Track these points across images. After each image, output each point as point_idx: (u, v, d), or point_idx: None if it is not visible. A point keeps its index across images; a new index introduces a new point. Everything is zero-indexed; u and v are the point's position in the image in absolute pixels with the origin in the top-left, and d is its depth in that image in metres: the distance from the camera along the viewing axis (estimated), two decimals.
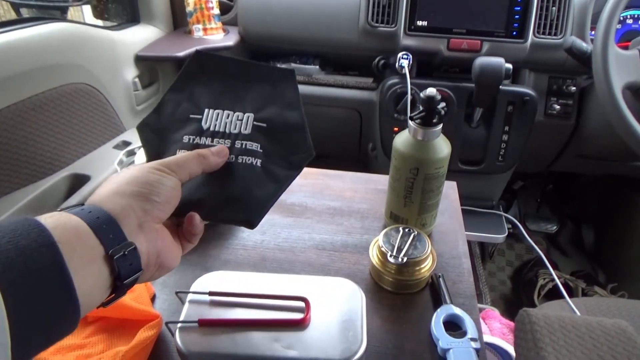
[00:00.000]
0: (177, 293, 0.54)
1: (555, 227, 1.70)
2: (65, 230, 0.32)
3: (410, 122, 0.66)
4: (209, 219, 0.45)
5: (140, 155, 0.74)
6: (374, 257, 0.65)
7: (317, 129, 1.40)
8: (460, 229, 0.77)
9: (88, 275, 0.32)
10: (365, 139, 1.38)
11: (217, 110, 0.49)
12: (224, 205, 0.46)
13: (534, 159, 1.34)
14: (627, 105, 0.92)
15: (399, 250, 0.63)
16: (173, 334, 0.48)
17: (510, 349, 0.91)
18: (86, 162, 0.85)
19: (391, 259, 0.62)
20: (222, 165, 0.46)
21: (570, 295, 1.14)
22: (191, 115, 0.49)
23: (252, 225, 0.46)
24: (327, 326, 0.49)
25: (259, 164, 0.47)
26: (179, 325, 0.49)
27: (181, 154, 0.44)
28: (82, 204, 0.37)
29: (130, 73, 1.08)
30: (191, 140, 0.47)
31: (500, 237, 1.32)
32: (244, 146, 0.47)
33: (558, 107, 1.20)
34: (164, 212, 0.40)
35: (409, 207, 0.70)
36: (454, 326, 0.59)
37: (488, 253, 1.65)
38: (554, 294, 1.41)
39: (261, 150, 0.48)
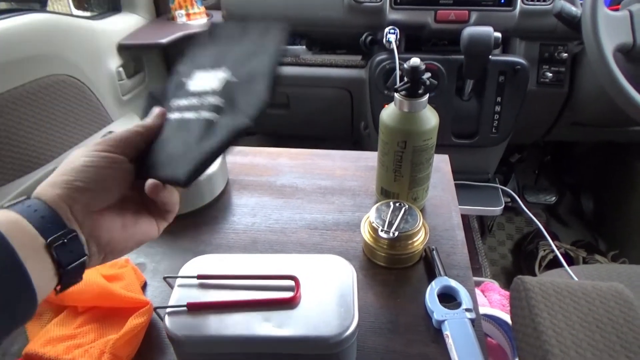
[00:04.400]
0: (165, 278, 0.53)
1: (554, 198, 1.69)
2: (8, 225, 0.33)
3: (395, 95, 0.64)
4: (140, 177, 0.41)
5: None
6: (365, 233, 0.64)
7: (308, 110, 1.40)
8: (453, 201, 0.76)
9: (35, 264, 0.33)
10: (358, 118, 1.37)
11: (204, 71, 0.48)
12: (160, 162, 0.42)
13: (528, 129, 1.32)
14: (618, 67, 0.90)
15: (390, 225, 0.62)
16: (162, 319, 0.48)
17: (510, 320, 0.91)
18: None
19: (383, 234, 0.61)
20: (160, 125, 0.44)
21: (572, 265, 1.14)
22: (183, 79, 0.48)
23: (180, 182, 0.40)
24: (318, 303, 0.49)
25: (213, 117, 0.43)
26: (168, 310, 0.48)
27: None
28: (27, 198, 0.37)
29: (114, 63, 1.06)
30: (176, 104, 0.46)
31: (497, 210, 1.31)
32: (205, 103, 0.44)
33: (550, 74, 1.18)
34: (97, 199, 0.39)
35: (399, 181, 0.69)
36: (449, 298, 0.59)
37: (487, 227, 1.64)
38: (554, 265, 1.41)
39: (223, 102, 0.44)
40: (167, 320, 0.47)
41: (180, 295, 0.50)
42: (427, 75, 0.64)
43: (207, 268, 0.53)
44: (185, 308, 0.48)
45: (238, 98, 0.44)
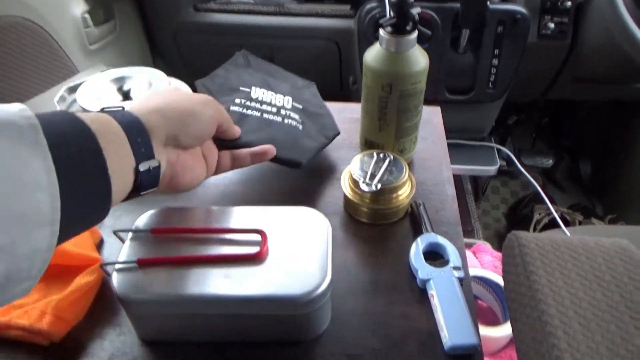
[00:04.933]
0: (115, 232, 0.47)
1: (551, 161, 1.64)
2: (106, 134, 0.34)
3: (380, 32, 0.57)
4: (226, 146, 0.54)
5: (82, 92, 0.66)
6: (346, 187, 0.59)
7: (293, 63, 1.31)
8: (444, 154, 0.70)
9: (118, 179, 0.35)
10: (346, 72, 1.29)
11: (262, 89, 0.65)
12: (274, 144, 0.57)
13: (527, 86, 1.25)
14: (629, 12, 0.83)
15: (373, 176, 0.56)
16: (109, 276, 0.42)
17: (502, 281, 0.87)
18: (31, 105, 0.76)
19: (364, 187, 0.55)
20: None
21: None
22: (241, 88, 0.64)
23: (300, 164, 0.59)
24: (287, 260, 0.43)
25: (300, 127, 0.63)
26: (116, 266, 0.43)
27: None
28: (123, 109, 0.40)
29: (78, 8, 0.96)
30: (242, 102, 0.62)
31: (491, 170, 1.25)
32: (287, 114, 0.63)
33: (552, 25, 1.10)
34: (193, 143, 0.45)
35: (385, 131, 0.63)
36: (436, 256, 0.54)
37: (481, 190, 1.59)
38: (550, 229, 1.36)
39: (301, 121, 0.64)
40: (115, 277, 0.42)
41: (132, 251, 0.44)
42: (417, 10, 0.57)
43: (164, 221, 0.48)
44: (135, 264, 0.43)
45: (313, 123, 0.65)
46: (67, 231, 0.31)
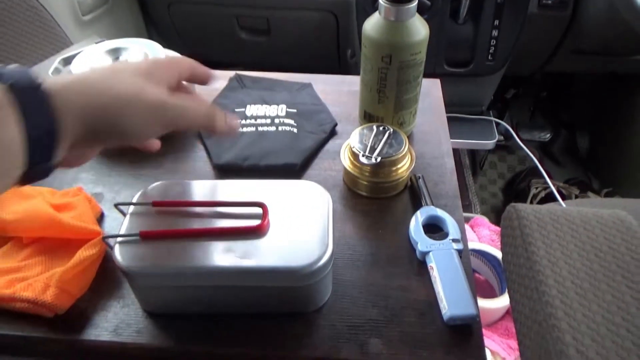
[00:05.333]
0: (116, 205, 0.47)
1: (548, 135, 1.64)
2: None
3: (380, 1, 0.56)
4: (250, 169, 0.61)
5: (77, 64, 0.65)
6: (345, 160, 0.59)
7: (290, 37, 1.30)
8: (443, 127, 0.69)
9: None
10: (344, 45, 1.27)
11: (256, 105, 0.71)
12: (267, 155, 0.62)
13: (526, 58, 1.24)
14: None
15: (373, 149, 0.56)
16: (112, 249, 0.42)
17: (499, 254, 0.88)
18: None
19: (364, 159, 0.55)
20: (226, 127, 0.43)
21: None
22: (236, 109, 0.70)
23: (295, 165, 0.61)
24: (288, 232, 0.44)
25: (295, 130, 0.66)
26: (119, 239, 0.43)
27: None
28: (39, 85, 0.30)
29: None
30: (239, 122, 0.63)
31: (489, 143, 1.25)
32: (281, 122, 0.67)
33: None
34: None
35: (384, 103, 0.62)
36: (435, 228, 0.54)
37: (479, 164, 1.59)
38: (546, 203, 1.37)
39: (295, 124, 0.67)
40: (117, 250, 0.42)
41: (134, 224, 0.44)
42: None
43: (165, 195, 0.48)
44: (137, 237, 0.43)
45: (309, 122, 0.68)
46: None
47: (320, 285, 0.45)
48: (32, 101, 0.29)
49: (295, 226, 0.44)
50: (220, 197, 0.47)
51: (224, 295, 0.45)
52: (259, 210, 0.45)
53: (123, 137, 0.35)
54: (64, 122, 0.30)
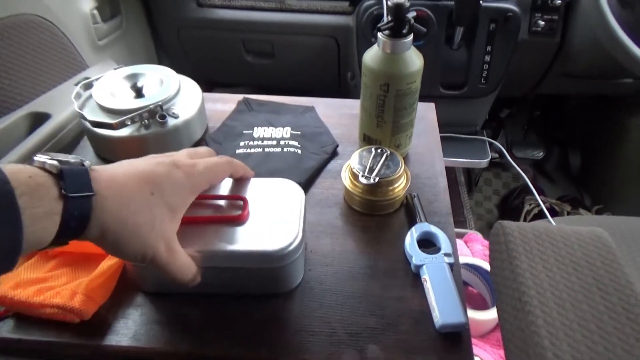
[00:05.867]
0: None
1: (541, 153, 1.69)
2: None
3: (378, 35, 0.61)
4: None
5: (98, 89, 0.70)
6: (346, 179, 0.63)
7: (293, 60, 1.36)
8: (437, 149, 0.74)
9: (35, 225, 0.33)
10: (344, 68, 1.33)
11: (263, 127, 0.75)
12: (273, 175, 0.60)
13: (518, 81, 1.30)
14: (613, 14, 0.87)
15: (371, 170, 0.61)
16: None
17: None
18: (46, 100, 0.80)
19: (363, 180, 0.60)
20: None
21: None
22: (244, 131, 0.75)
23: (299, 184, 0.59)
24: (265, 222, 0.50)
25: (299, 152, 0.71)
26: None
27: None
28: (84, 166, 0.38)
29: (87, 4, 1.00)
30: (246, 143, 0.72)
31: (483, 162, 1.30)
32: (286, 143, 0.72)
33: (543, 23, 1.14)
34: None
35: (382, 127, 0.67)
36: (429, 244, 0.58)
37: (474, 181, 1.64)
38: (539, 219, 1.41)
39: (299, 146, 0.72)
40: None
41: None
42: (412, 14, 0.61)
43: None
44: None
45: (312, 143, 0.73)
46: None
47: (291, 268, 0.51)
48: (77, 205, 0.36)
49: (272, 216, 0.51)
50: (209, 192, 0.53)
51: (210, 276, 0.50)
52: (240, 202, 0.52)
53: (115, 254, 0.42)
54: (88, 228, 0.37)
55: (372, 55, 0.63)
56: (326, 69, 1.35)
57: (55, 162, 0.35)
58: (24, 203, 0.32)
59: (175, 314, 0.52)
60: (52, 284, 0.51)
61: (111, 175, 0.39)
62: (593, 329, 0.44)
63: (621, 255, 0.51)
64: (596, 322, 0.44)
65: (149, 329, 0.50)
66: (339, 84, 1.38)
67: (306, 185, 0.67)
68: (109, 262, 0.51)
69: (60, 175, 0.35)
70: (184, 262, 0.45)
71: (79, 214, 0.36)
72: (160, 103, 0.66)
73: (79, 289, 0.48)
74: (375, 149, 0.64)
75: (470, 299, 0.97)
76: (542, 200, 1.37)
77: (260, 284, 0.52)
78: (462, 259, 0.95)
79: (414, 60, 0.62)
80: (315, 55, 1.31)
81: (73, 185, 0.35)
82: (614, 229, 0.83)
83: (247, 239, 0.49)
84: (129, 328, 0.50)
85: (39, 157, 0.36)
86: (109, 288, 0.52)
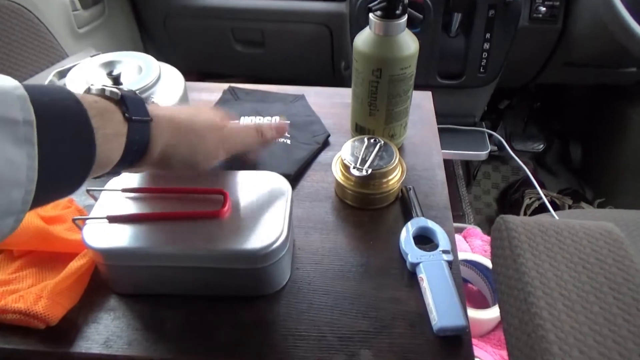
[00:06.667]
0: (88, 191, 0.49)
1: (542, 146, 1.65)
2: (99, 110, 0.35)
3: (370, 16, 0.57)
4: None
5: (72, 77, 0.65)
6: (337, 171, 0.59)
7: (285, 50, 1.31)
8: (434, 139, 0.70)
9: (105, 145, 0.35)
10: (338, 57, 1.28)
11: (250, 117, 0.71)
12: (261, 166, 0.61)
13: (518, 70, 1.25)
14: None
15: (364, 161, 0.57)
16: (81, 230, 0.44)
17: (491, 265, 0.88)
18: None
19: (355, 172, 0.56)
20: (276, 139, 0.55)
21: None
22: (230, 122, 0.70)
23: (289, 176, 0.60)
24: (247, 217, 0.46)
25: (288, 142, 0.67)
26: (87, 221, 0.45)
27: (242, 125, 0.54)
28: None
29: None
30: None
31: (482, 154, 1.26)
32: None
33: (544, 9, 1.10)
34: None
35: (375, 115, 0.63)
36: (426, 240, 0.55)
37: (472, 175, 1.60)
38: (539, 213, 1.38)
39: (289, 135, 0.67)
40: (85, 231, 0.44)
41: (103, 208, 0.47)
42: None
43: (135, 182, 0.50)
44: (105, 220, 0.45)
45: (303, 133, 0.69)
46: (43, 196, 0.31)
47: (275, 269, 0.47)
48: (139, 129, 0.38)
49: (254, 212, 0.47)
50: (187, 185, 0.49)
51: (188, 277, 0.47)
52: (221, 197, 0.47)
53: (191, 166, 0.45)
54: (149, 151, 0.40)
55: (363, 39, 0.59)
56: (319, 59, 1.30)
57: (115, 89, 0.37)
58: (95, 123, 0.33)
59: (152, 318, 0.48)
60: (17, 287, 0.47)
61: (160, 108, 0.42)
62: (606, 333, 0.40)
63: (634, 252, 0.47)
64: (609, 325, 0.41)
65: (122, 335, 0.46)
66: (333, 75, 1.34)
67: (296, 178, 0.63)
68: (78, 263, 0.47)
69: (121, 101, 0.37)
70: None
71: (140, 138, 0.38)
72: (137, 91, 0.62)
73: (43, 293, 0.44)
74: (368, 139, 0.59)
75: (469, 297, 0.93)
76: (543, 194, 1.33)
77: (243, 285, 0.48)
78: (461, 255, 0.91)
79: (409, 43, 0.58)
80: (307, 45, 1.26)
81: (134, 110, 0.38)
82: (619, 222, 0.79)
83: (227, 237, 0.45)
84: (100, 333, 0.46)
85: (95, 87, 0.37)
86: (79, 290, 0.48)
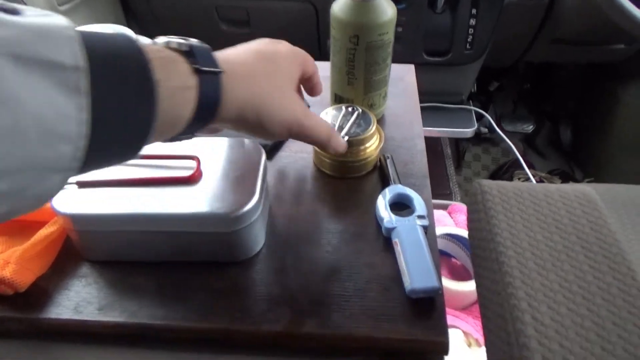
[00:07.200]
0: None
1: (531, 127, 1.64)
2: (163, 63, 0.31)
3: None
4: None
5: None
6: None
7: (270, 29, 1.29)
8: (415, 110, 0.70)
9: (169, 100, 0.31)
10: (324, 35, 1.27)
11: None
12: (238, 136, 0.54)
13: (506, 48, 1.24)
14: None
15: (341, 129, 0.56)
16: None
17: None
18: None
19: None
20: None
21: None
22: None
23: (265, 146, 0.55)
24: (219, 182, 0.46)
25: None
26: None
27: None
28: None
29: None
30: None
31: (468, 132, 1.25)
32: None
33: None
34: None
35: (353, 84, 0.63)
36: (403, 207, 0.54)
37: (461, 154, 1.60)
38: None
39: None
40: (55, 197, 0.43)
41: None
42: None
43: None
44: (75, 185, 0.45)
45: None
46: (97, 156, 0.28)
47: (247, 232, 0.46)
48: (210, 81, 0.34)
49: (227, 177, 0.47)
50: (159, 150, 0.49)
51: (160, 242, 0.46)
52: (193, 162, 0.47)
53: (259, 132, 0.41)
54: (224, 106, 0.36)
55: (340, 5, 0.58)
56: (305, 37, 1.29)
57: (182, 40, 0.34)
58: (159, 74, 0.29)
59: (124, 284, 0.47)
60: None
61: (229, 56, 0.38)
62: (575, 290, 0.40)
63: (608, 213, 0.47)
64: (579, 282, 0.40)
65: (93, 301, 0.45)
66: (320, 53, 1.33)
67: (273, 148, 0.62)
68: (48, 230, 0.46)
69: (189, 53, 0.34)
70: (319, 120, 0.45)
71: (212, 93, 0.35)
72: None
73: (12, 259, 0.44)
74: (346, 108, 0.59)
75: (452, 271, 0.93)
76: (532, 174, 1.33)
77: (216, 250, 0.48)
78: (445, 229, 0.91)
79: (385, 8, 0.57)
80: (293, 23, 1.25)
81: (203, 61, 0.34)
82: (603, 195, 0.79)
83: (198, 200, 0.44)
84: (71, 299, 0.45)
85: (160, 39, 0.35)
86: (49, 258, 0.47)
